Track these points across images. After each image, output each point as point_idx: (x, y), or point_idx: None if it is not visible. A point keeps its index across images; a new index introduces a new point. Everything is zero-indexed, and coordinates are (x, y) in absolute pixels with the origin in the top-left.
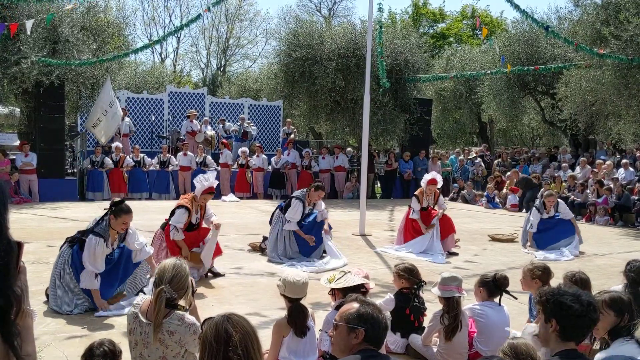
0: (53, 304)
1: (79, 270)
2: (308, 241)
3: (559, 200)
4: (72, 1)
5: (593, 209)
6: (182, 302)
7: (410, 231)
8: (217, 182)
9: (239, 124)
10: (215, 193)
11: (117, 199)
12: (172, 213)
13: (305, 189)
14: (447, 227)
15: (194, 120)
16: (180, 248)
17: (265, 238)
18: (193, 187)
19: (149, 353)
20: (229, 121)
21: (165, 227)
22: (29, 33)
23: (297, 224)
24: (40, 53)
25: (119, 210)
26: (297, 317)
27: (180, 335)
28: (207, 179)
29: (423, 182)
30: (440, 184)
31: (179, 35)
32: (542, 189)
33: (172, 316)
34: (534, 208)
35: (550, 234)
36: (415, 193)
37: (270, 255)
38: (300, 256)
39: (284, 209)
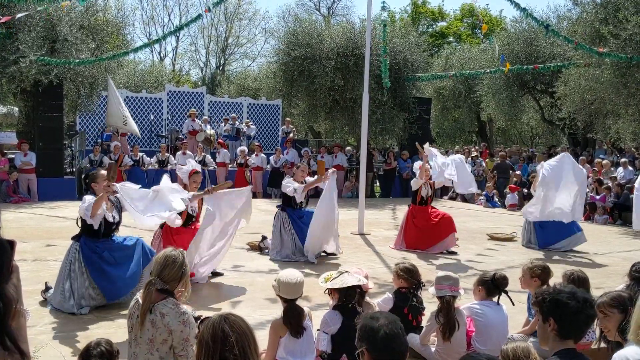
0: (57, 304)
1: (88, 259)
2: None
3: None
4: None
5: (592, 208)
6: (180, 292)
7: (411, 230)
8: (198, 164)
9: (230, 122)
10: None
11: (86, 172)
12: None
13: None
14: (447, 226)
15: (196, 119)
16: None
17: (264, 237)
18: None
19: (141, 335)
20: (230, 121)
21: (164, 226)
22: (16, 17)
23: (292, 219)
24: (39, 52)
25: (93, 176)
26: (292, 318)
27: (169, 318)
28: (187, 165)
29: (417, 169)
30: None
31: (178, 34)
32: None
33: (168, 300)
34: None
35: (551, 232)
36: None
37: (271, 255)
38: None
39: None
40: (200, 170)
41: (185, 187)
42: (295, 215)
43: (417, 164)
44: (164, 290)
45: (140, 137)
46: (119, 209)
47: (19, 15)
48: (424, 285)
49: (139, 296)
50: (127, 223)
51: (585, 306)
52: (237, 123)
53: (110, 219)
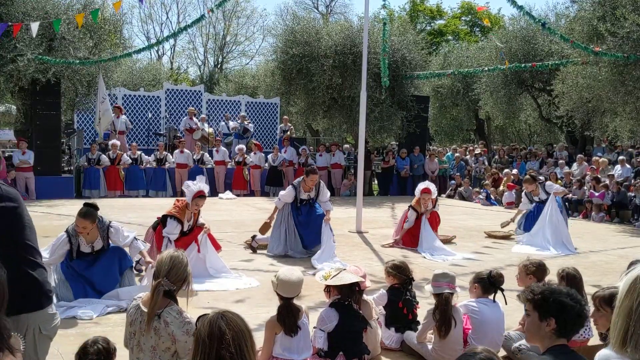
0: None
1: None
2: None
3: (546, 182)
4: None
5: (590, 206)
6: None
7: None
8: (206, 186)
9: (239, 121)
10: (211, 191)
11: (88, 202)
12: (164, 219)
13: (300, 178)
14: (433, 222)
15: (194, 118)
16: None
17: (254, 236)
18: None
19: (145, 341)
20: (231, 119)
21: (156, 227)
22: (34, 35)
23: (294, 213)
24: (37, 50)
25: (78, 213)
26: (286, 316)
27: (173, 327)
28: (195, 183)
29: (417, 192)
30: (434, 193)
31: (176, 32)
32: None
33: (173, 307)
34: (523, 195)
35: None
36: (412, 204)
37: (270, 251)
38: (301, 249)
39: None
40: (206, 195)
41: (187, 207)
42: (295, 211)
43: (420, 186)
44: (169, 293)
45: (101, 133)
46: (105, 237)
47: (34, 28)
48: (414, 280)
49: (140, 302)
50: (127, 220)
51: (583, 307)
52: (246, 122)
53: (87, 250)
